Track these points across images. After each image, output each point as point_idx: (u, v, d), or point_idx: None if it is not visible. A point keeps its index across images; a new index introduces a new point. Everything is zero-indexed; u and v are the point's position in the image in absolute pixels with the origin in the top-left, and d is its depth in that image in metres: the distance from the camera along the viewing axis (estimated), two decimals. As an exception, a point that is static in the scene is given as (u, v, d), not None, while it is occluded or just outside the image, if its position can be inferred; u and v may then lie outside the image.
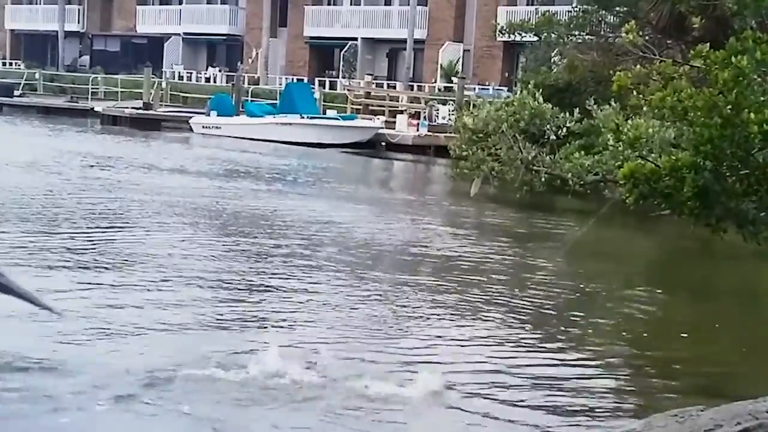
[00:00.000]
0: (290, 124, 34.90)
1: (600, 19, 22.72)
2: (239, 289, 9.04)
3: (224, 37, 56.36)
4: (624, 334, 8.31)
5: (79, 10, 62.18)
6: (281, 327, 7.62)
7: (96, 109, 42.46)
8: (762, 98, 7.52)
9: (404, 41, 46.16)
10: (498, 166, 18.40)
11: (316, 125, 34.92)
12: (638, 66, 13.93)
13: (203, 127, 36.80)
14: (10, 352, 6.38)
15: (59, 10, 59.31)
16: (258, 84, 47.74)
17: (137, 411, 5.55)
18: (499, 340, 7.61)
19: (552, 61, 25.06)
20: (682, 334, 7.92)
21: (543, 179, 17.76)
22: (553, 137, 18.35)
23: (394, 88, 45.73)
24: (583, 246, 13.40)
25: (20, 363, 6.20)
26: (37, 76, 52.85)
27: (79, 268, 9.50)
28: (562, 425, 5.66)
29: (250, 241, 12.06)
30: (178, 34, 56.98)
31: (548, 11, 24.02)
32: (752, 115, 7.13)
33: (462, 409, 5.85)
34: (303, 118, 35.04)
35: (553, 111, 18.63)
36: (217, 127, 36.35)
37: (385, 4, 51.03)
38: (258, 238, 12.36)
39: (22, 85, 51.38)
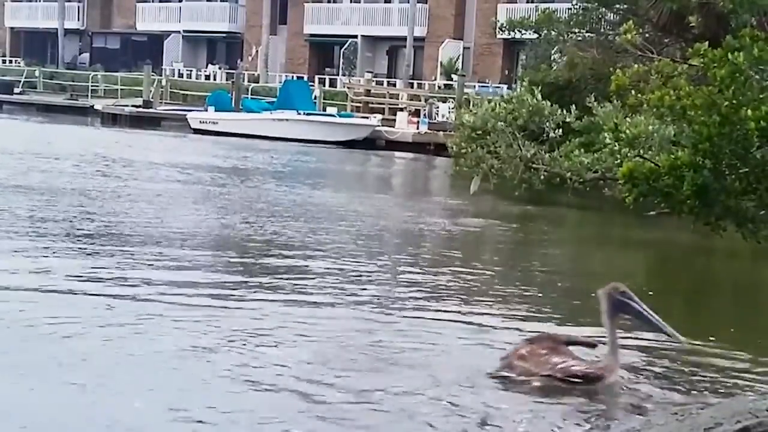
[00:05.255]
0: (287, 120, 34.96)
1: (600, 16, 22.72)
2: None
3: (224, 35, 56.40)
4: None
5: (79, 7, 62.20)
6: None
7: (96, 106, 42.54)
8: (760, 95, 7.53)
9: (404, 39, 46.20)
10: (497, 163, 18.39)
11: (313, 122, 34.96)
12: (637, 64, 13.95)
13: (200, 122, 36.88)
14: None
15: (59, 8, 59.32)
16: (258, 82, 47.76)
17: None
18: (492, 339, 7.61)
19: (552, 58, 25.06)
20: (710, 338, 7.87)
21: (542, 177, 17.75)
22: (552, 135, 18.33)
23: (394, 85, 45.76)
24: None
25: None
26: (36, 73, 52.88)
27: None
28: (561, 423, 5.67)
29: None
30: (178, 32, 57.00)
31: (548, 9, 24.00)
32: (750, 113, 7.14)
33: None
34: (300, 114, 35.08)
35: (551, 108, 18.61)
36: (213, 122, 36.44)
37: (385, 2, 51.05)
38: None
39: (22, 83, 51.42)
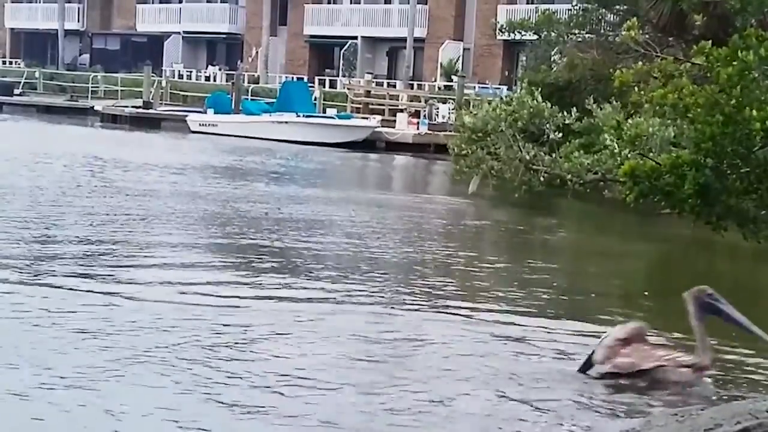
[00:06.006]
0: (287, 122, 34.88)
1: (600, 17, 22.71)
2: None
3: (224, 36, 56.38)
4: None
5: (79, 8, 62.18)
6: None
7: (96, 107, 42.52)
8: (765, 95, 7.48)
9: (404, 40, 46.15)
10: (497, 165, 18.34)
11: (313, 123, 34.89)
12: (639, 63, 13.91)
13: (200, 124, 36.81)
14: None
15: (59, 9, 59.29)
16: (258, 83, 47.71)
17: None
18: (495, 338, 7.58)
19: (552, 59, 25.02)
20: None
21: (542, 178, 17.70)
22: (552, 136, 18.29)
23: (394, 86, 45.72)
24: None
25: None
26: (37, 74, 52.83)
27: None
28: (561, 423, 5.62)
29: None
30: (178, 33, 56.99)
31: (548, 10, 23.99)
32: (754, 113, 7.09)
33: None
34: (299, 116, 35.00)
35: (551, 110, 18.56)
36: (213, 125, 36.36)
37: (385, 3, 51.02)
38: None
39: (22, 84, 51.37)
